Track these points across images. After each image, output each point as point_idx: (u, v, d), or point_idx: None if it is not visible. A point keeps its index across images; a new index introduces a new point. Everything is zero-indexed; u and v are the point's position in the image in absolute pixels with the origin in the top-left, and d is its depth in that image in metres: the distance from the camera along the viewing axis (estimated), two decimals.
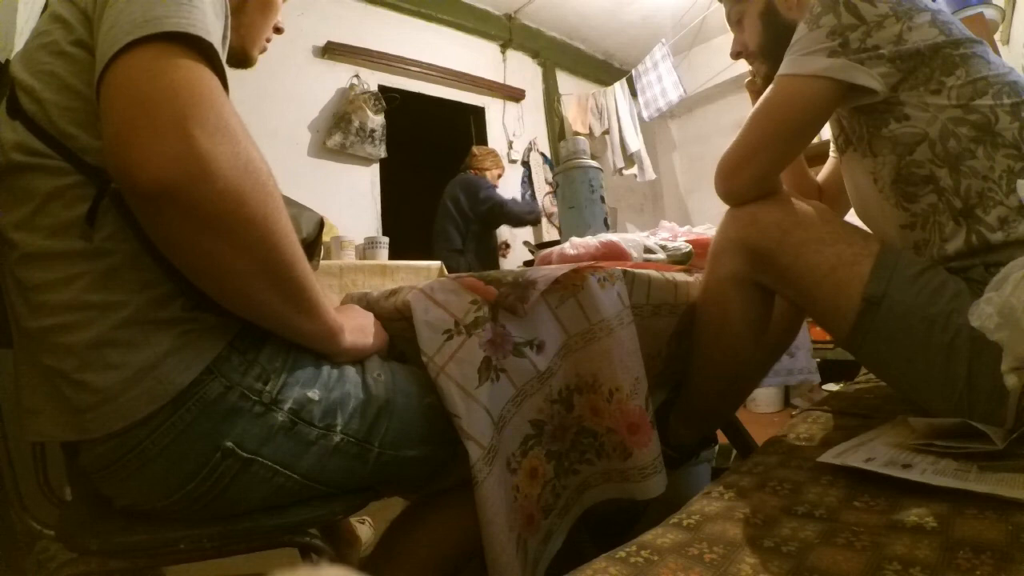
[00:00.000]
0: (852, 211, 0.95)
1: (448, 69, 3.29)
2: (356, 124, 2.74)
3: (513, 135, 3.65)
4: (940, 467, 0.56)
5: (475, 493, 0.59)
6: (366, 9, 3.03)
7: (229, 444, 0.52)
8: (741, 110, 1.08)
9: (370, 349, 0.66)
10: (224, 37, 0.52)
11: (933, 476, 0.54)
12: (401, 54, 3.07)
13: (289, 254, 0.50)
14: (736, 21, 0.96)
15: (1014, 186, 0.66)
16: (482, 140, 3.55)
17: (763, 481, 0.62)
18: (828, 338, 1.30)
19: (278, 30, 0.76)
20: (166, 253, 0.48)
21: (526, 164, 3.71)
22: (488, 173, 3.00)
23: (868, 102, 0.74)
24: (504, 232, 3.49)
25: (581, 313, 0.72)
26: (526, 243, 1.66)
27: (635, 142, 3.74)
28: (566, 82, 4.06)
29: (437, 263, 2.42)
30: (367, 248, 2.36)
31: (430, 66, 3.20)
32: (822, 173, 1.12)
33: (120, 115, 0.42)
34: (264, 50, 0.76)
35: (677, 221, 1.32)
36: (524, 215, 2.94)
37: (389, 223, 3.01)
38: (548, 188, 3.73)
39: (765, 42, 0.92)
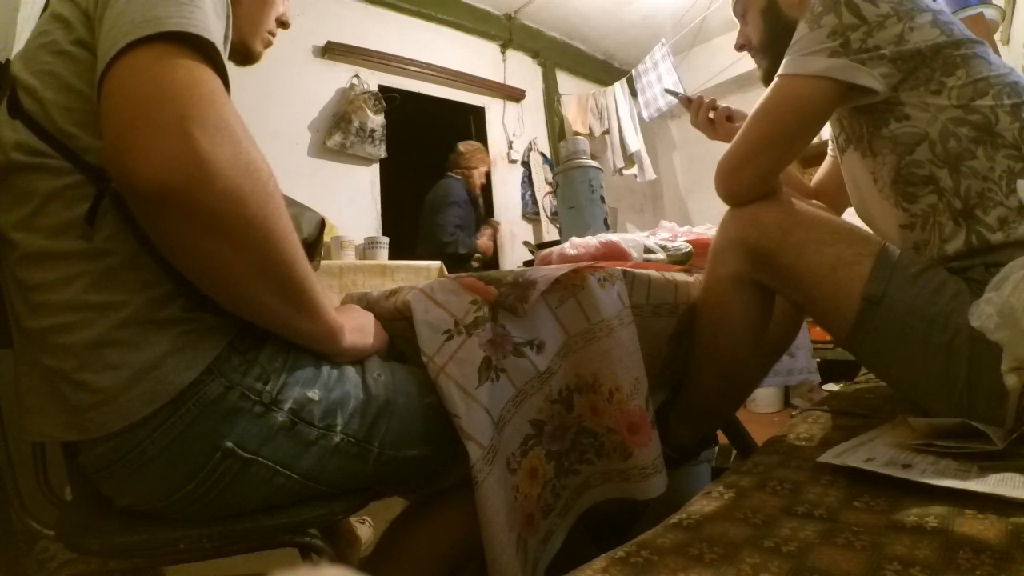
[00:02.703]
0: (852, 211, 0.95)
1: (448, 69, 3.29)
2: (356, 124, 2.74)
3: (513, 135, 3.65)
4: (940, 467, 0.56)
5: (475, 493, 0.59)
6: (366, 9, 3.02)
7: (229, 444, 0.52)
8: (741, 110, 1.09)
9: (370, 349, 0.66)
10: (226, 37, 0.52)
11: (933, 476, 0.54)
12: (401, 54, 3.06)
13: (290, 254, 0.50)
14: (741, 14, 0.96)
15: (1014, 186, 0.66)
16: (482, 140, 3.55)
17: (763, 481, 0.62)
18: (828, 338, 1.30)
19: (284, 24, 0.75)
20: (166, 254, 0.48)
21: (526, 164, 3.70)
22: (475, 171, 3.02)
23: (868, 102, 0.74)
24: (503, 231, 3.49)
25: (581, 313, 0.72)
26: (526, 243, 1.66)
27: (635, 142, 3.74)
28: (566, 82, 4.05)
29: (437, 263, 2.42)
30: (367, 248, 2.36)
31: (430, 66, 3.20)
32: (819, 173, 1.13)
33: (120, 115, 0.42)
34: (269, 44, 0.74)
35: (677, 221, 1.32)
36: (449, 249, 2.85)
37: (389, 223, 3.01)
38: (548, 188, 3.73)
39: (766, 38, 0.92)
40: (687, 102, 1.18)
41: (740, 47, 0.99)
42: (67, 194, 0.49)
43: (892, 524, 0.48)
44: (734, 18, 0.99)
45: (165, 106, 0.42)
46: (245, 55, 0.72)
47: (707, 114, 1.13)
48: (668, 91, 1.29)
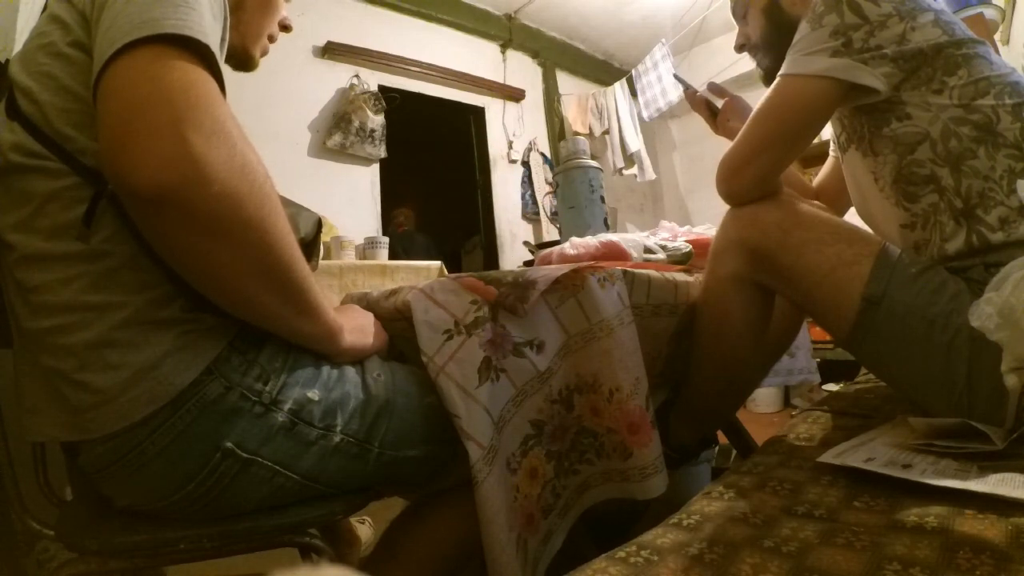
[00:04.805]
0: (853, 210, 0.95)
1: (448, 69, 3.28)
2: (356, 124, 2.73)
3: (513, 135, 3.65)
4: (940, 467, 0.56)
5: (475, 493, 0.59)
6: (366, 9, 3.02)
7: (229, 445, 0.52)
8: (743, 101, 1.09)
9: (370, 349, 0.66)
10: (223, 39, 0.52)
11: (933, 476, 0.54)
12: (401, 54, 3.06)
13: (287, 255, 0.50)
14: (741, 15, 0.96)
15: (1015, 186, 0.66)
16: (482, 140, 3.55)
17: (763, 481, 0.62)
18: (828, 338, 1.30)
19: (286, 28, 0.76)
20: (163, 256, 0.48)
21: (526, 164, 3.70)
22: None
23: (870, 101, 0.74)
24: (503, 232, 3.50)
25: (581, 313, 0.72)
26: (526, 243, 1.66)
27: (635, 142, 3.73)
28: (566, 82, 4.05)
29: (437, 263, 2.41)
30: (367, 248, 2.36)
31: (430, 66, 3.19)
32: (821, 173, 1.13)
33: (116, 118, 0.42)
34: (266, 51, 0.75)
35: (677, 221, 1.32)
36: None
37: (389, 223, 3.01)
38: (548, 188, 3.73)
39: (767, 35, 0.92)
40: (686, 92, 1.17)
41: (739, 48, 0.99)
42: (65, 196, 0.49)
43: (892, 524, 0.48)
44: (733, 19, 0.99)
45: (160, 109, 0.42)
46: (243, 60, 0.72)
47: (704, 108, 1.13)
48: (676, 77, 1.29)
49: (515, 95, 3.68)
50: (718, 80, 1.32)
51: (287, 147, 2.63)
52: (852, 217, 0.85)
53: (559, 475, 0.72)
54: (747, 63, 1.01)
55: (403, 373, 0.67)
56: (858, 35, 0.69)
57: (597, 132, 3.87)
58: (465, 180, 3.76)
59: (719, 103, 1.11)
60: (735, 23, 0.99)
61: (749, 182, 0.78)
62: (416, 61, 3.12)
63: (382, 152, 2.86)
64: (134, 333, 0.49)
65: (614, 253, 0.98)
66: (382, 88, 2.95)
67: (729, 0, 0.98)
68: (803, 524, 0.50)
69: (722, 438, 1.33)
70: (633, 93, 3.72)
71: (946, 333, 0.65)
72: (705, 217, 1.66)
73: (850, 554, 0.44)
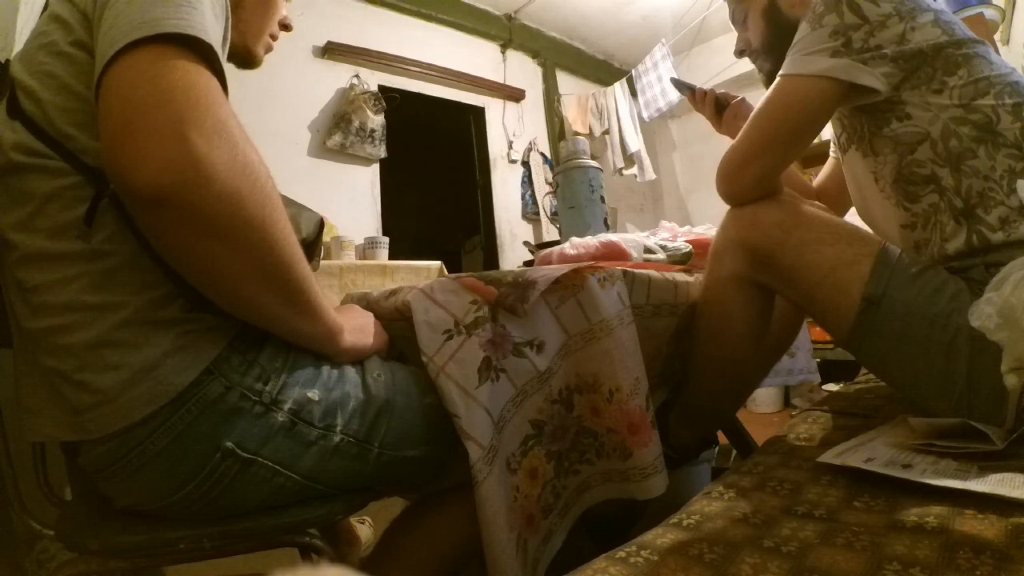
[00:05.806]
0: (853, 211, 0.95)
1: (448, 69, 3.28)
2: (356, 124, 2.73)
3: (513, 135, 3.64)
4: (940, 467, 0.56)
5: (475, 493, 0.59)
6: (366, 9, 3.02)
7: (229, 445, 0.52)
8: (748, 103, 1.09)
9: (370, 349, 0.66)
10: (224, 39, 0.52)
11: (933, 476, 0.54)
12: (401, 54, 3.06)
13: (288, 256, 0.50)
14: (741, 20, 0.96)
15: (1015, 186, 0.66)
16: (482, 140, 3.55)
17: (763, 481, 0.62)
18: (828, 338, 1.30)
19: (286, 27, 0.76)
20: (164, 256, 0.48)
21: (526, 164, 3.70)
22: None
23: (870, 101, 0.74)
24: (503, 232, 3.50)
25: (581, 313, 0.72)
26: (526, 243, 1.66)
27: (635, 142, 3.73)
28: (566, 82, 4.05)
29: (437, 263, 2.41)
30: (367, 248, 2.36)
31: (430, 66, 3.19)
32: (821, 174, 1.13)
33: (117, 118, 0.42)
34: (270, 49, 0.75)
35: (677, 221, 1.32)
36: None
37: (389, 223, 3.01)
38: (548, 188, 3.73)
39: (768, 39, 0.92)
40: (690, 95, 1.18)
41: (739, 53, 0.99)
42: (66, 195, 0.49)
43: (892, 524, 0.48)
44: (733, 26, 0.99)
45: (161, 109, 0.42)
46: (246, 58, 0.72)
47: (712, 106, 1.13)
48: (674, 80, 1.29)
49: (515, 95, 3.67)
50: (718, 80, 1.31)
51: (287, 147, 2.63)
52: (852, 217, 0.85)
53: (559, 475, 0.72)
54: (747, 63, 1.01)
55: (403, 373, 0.67)
56: (858, 35, 0.69)
57: (597, 132, 3.87)
58: (465, 180, 3.76)
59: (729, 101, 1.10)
60: (734, 28, 0.99)
61: (749, 182, 0.78)
62: (416, 61, 3.12)
63: (382, 152, 2.86)
64: (134, 333, 0.49)
65: (614, 253, 0.98)
66: (382, 88, 2.94)
67: (728, 6, 0.98)
68: (803, 524, 0.50)
69: (722, 438, 1.33)
70: (633, 93, 3.72)
71: (946, 333, 0.65)
72: (705, 217, 1.66)
73: (850, 554, 0.44)
